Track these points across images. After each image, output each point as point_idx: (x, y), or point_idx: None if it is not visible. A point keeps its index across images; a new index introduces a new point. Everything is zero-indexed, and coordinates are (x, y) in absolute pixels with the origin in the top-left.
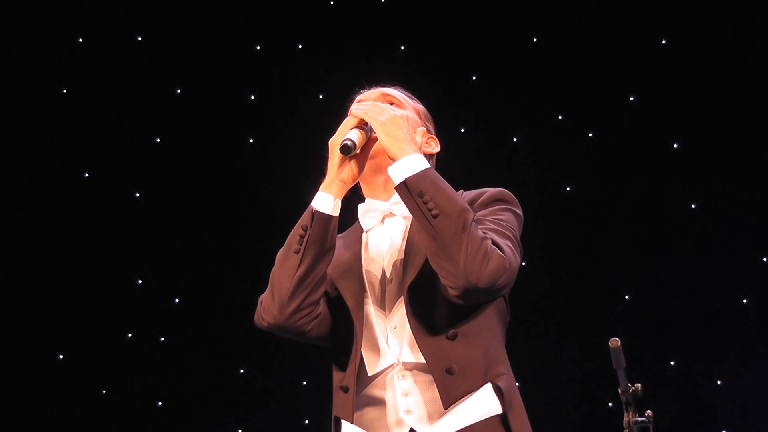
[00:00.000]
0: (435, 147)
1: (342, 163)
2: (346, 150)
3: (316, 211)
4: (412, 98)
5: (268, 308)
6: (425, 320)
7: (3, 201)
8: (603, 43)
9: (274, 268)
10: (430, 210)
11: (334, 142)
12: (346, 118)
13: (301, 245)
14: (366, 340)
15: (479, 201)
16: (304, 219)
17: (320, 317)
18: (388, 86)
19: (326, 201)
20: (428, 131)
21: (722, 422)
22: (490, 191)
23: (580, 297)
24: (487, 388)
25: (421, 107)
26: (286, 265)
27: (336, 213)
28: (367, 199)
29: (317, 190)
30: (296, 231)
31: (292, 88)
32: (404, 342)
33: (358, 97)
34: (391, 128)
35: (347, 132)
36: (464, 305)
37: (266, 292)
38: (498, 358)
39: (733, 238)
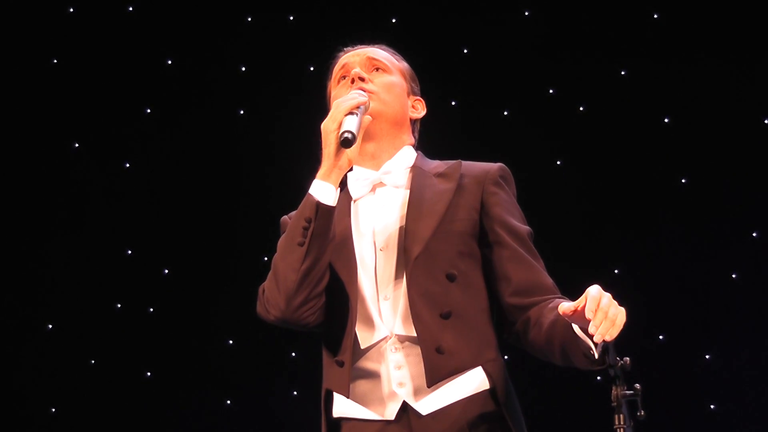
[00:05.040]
0: (421, 110)
1: (338, 150)
2: (347, 143)
3: (320, 203)
4: (396, 56)
5: (274, 302)
6: (422, 295)
7: None
8: (595, 17)
9: (276, 257)
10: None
11: (328, 128)
12: (336, 102)
13: (305, 238)
14: (359, 314)
15: (489, 180)
16: (307, 210)
17: (323, 305)
18: (373, 45)
19: (328, 191)
20: (413, 93)
21: (710, 396)
22: (493, 170)
23: (568, 271)
24: (477, 370)
25: (405, 66)
26: (291, 257)
27: (336, 203)
28: (354, 167)
29: (313, 177)
30: (298, 222)
31: (283, 59)
32: (398, 314)
33: (342, 59)
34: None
35: (340, 117)
36: None
37: (269, 282)
38: (489, 342)
39: (723, 212)
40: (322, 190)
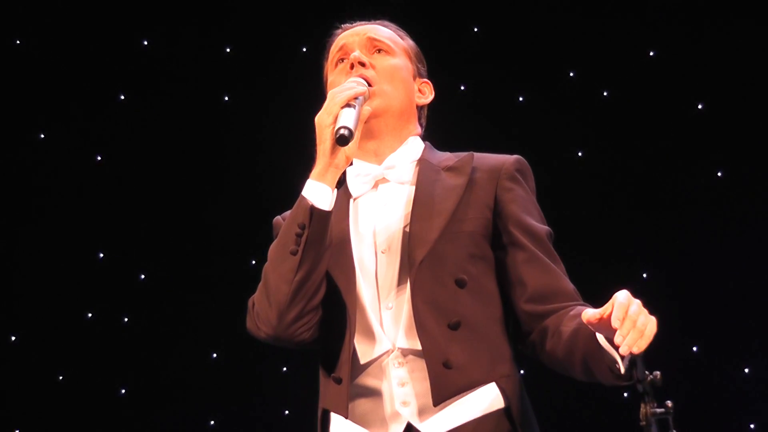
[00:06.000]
0: (429, 95)
1: (334, 147)
2: (343, 141)
3: (314, 207)
4: (400, 32)
5: (265, 317)
6: (428, 303)
7: None
8: None
9: (266, 266)
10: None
11: (323, 123)
12: (331, 92)
13: (298, 246)
14: (358, 324)
15: (503, 174)
16: (300, 215)
17: (318, 321)
18: (374, 22)
19: (323, 194)
20: (420, 75)
21: (750, 414)
22: (508, 164)
23: (591, 275)
24: (490, 386)
25: (411, 44)
26: (283, 267)
27: (332, 206)
28: (355, 161)
29: (307, 177)
30: (290, 228)
31: (273, 39)
32: (401, 325)
33: (340, 39)
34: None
35: (336, 110)
36: None
37: (259, 295)
38: (503, 355)
39: (763, 209)
40: (317, 192)
